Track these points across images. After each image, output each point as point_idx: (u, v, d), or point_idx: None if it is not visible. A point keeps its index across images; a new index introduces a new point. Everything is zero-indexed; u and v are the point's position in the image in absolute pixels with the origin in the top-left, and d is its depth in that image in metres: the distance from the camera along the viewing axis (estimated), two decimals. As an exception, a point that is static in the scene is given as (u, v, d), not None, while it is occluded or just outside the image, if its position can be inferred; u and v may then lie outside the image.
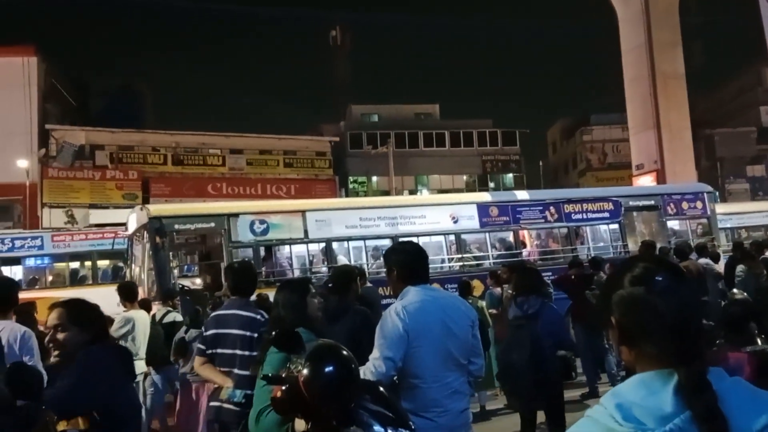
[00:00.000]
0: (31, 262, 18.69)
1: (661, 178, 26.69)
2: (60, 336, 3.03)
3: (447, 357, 3.49)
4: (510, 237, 14.62)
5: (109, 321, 7.08)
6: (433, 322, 3.47)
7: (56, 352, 3.04)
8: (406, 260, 3.69)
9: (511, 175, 42.46)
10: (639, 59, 28.01)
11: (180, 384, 7.67)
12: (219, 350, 4.49)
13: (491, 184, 40.82)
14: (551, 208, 14.73)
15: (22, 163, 28.98)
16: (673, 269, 1.50)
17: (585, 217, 14.99)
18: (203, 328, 4.77)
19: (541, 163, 47.49)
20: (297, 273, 12.80)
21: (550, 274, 11.82)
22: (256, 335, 4.38)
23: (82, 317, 3.11)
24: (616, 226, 15.18)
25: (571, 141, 49.43)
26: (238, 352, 4.41)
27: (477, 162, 41.87)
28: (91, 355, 2.98)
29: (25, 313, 5.61)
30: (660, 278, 1.47)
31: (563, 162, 51.11)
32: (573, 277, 10.31)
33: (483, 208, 14.25)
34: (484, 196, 16.00)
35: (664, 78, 27.53)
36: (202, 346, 4.64)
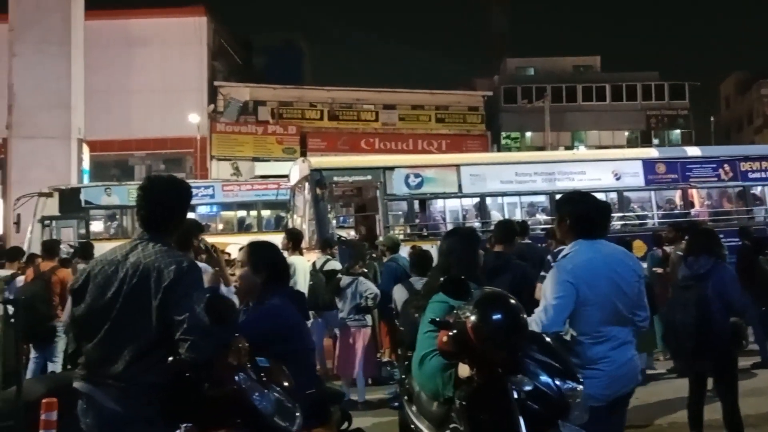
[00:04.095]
0: (203, 209, 20.04)
1: None
2: (238, 272, 3.28)
3: (615, 314, 3.43)
4: (677, 196, 13.76)
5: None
6: (603, 280, 3.40)
7: (235, 284, 3.37)
8: (583, 212, 3.57)
9: (678, 131, 39.79)
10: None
11: (339, 329, 7.99)
12: None
13: (655, 141, 38.49)
14: (725, 165, 13.70)
15: (194, 118, 31.06)
16: None
17: (765, 176, 13.79)
18: (549, 259, 4.86)
19: (712, 119, 44.05)
20: (450, 227, 12.80)
21: (721, 236, 11.01)
22: None
23: (257, 259, 3.36)
24: (800, 187, 13.84)
25: (747, 95, 45.46)
26: None
27: (640, 117, 39.54)
28: (275, 306, 3.24)
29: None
30: None
31: (737, 118, 47.19)
32: (747, 242, 9.56)
33: (649, 165, 13.48)
34: (651, 152, 15.11)
35: None
36: (544, 274, 4.71)
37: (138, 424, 2.76)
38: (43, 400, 3.82)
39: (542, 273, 4.85)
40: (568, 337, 3.44)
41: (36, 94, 23.11)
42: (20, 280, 7.92)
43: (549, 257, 4.99)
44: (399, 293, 6.91)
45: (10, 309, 5.19)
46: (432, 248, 10.75)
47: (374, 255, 9.87)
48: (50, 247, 8.41)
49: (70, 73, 23.93)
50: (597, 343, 3.37)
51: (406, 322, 4.81)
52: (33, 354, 7.53)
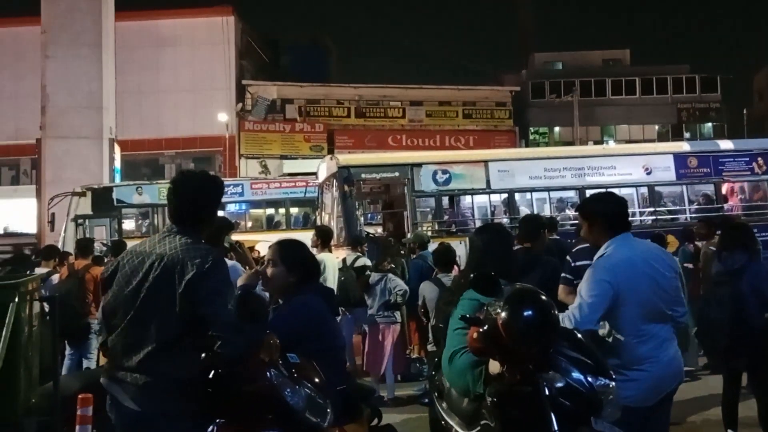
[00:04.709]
0: (232, 207, 20.17)
1: None
2: (269, 270, 3.29)
3: (655, 311, 3.42)
4: (710, 190, 13.55)
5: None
6: (642, 278, 3.39)
7: (268, 285, 3.32)
8: (613, 210, 3.59)
9: (710, 124, 39.11)
10: None
11: (368, 325, 8.00)
12: None
13: (687, 135, 37.86)
14: (759, 159, 13.48)
15: (223, 117, 31.32)
16: None
17: (800, 170, 13.52)
18: (569, 259, 4.74)
19: (744, 112, 43.20)
20: (479, 224, 12.74)
21: (755, 231, 10.81)
22: None
23: (290, 258, 3.36)
24: (837, 181, 13.53)
25: (782, 87, 44.43)
26: None
27: (671, 111, 38.93)
28: (304, 303, 3.26)
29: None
30: None
31: (771, 111, 46.17)
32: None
33: (680, 159, 13.31)
34: (682, 146, 14.90)
35: None
36: (570, 276, 4.63)
37: (157, 421, 2.75)
38: (79, 396, 3.88)
39: (563, 274, 4.72)
40: (610, 339, 3.42)
41: (68, 95, 23.48)
42: (55, 278, 8.07)
43: (568, 257, 4.84)
44: (428, 290, 6.92)
45: (46, 306, 5.28)
46: (460, 245, 10.75)
47: (401, 251, 9.87)
48: (84, 246, 8.56)
49: (101, 74, 24.25)
50: (640, 342, 3.35)
51: (443, 318, 4.79)
52: (68, 351, 7.67)
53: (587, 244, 4.63)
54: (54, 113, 23.82)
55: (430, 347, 6.69)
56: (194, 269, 2.76)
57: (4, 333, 4.14)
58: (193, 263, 2.78)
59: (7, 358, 4.12)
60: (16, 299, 4.36)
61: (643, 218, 13.05)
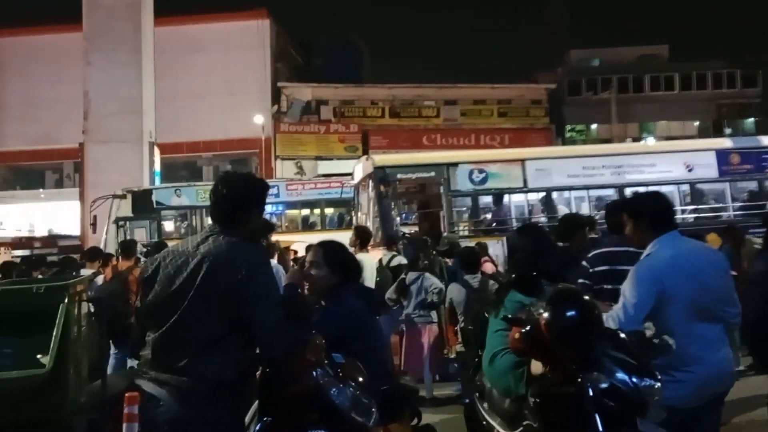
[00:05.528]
0: (268, 208, 20.31)
1: None
2: (313, 272, 3.33)
3: (703, 311, 3.35)
4: (754, 187, 13.24)
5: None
6: (689, 278, 3.33)
7: (308, 285, 3.35)
8: (659, 208, 3.55)
9: (751, 119, 38.20)
10: None
11: (405, 325, 8.01)
12: (607, 286, 4.20)
13: (727, 131, 37.07)
14: (806, 153, 13.11)
15: (259, 119, 31.61)
16: None
17: (844, 165, 13.14)
18: (586, 265, 4.64)
19: (787, 107, 42.14)
20: (516, 223, 12.67)
21: (801, 228, 10.53)
22: None
23: (333, 259, 3.40)
24: None
25: (825, 80, 43.13)
26: None
27: (711, 107, 38.14)
28: (346, 304, 3.30)
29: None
30: None
31: (815, 105, 44.86)
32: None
33: (723, 155, 13.05)
34: (725, 142, 14.62)
35: None
36: (588, 282, 4.49)
37: (198, 424, 2.70)
38: (126, 394, 3.95)
39: (580, 280, 4.59)
40: (657, 340, 3.37)
41: (109, 100, 23.95)
42: (99, 279, 8.25)
43: (585, 263, 4.66)
44: (455, 291, 6.94)
45: (92, 307, 5.40)
46: (497, 244, 10.70)
47: (434, 252, 9.82)
48: (128, 247, 8.71)
49: (141, 80, 24.69)
50: (688, 342, 3.28)
51: (474, 321, 4.76)
52: (113, 350, 7.83)
53: (604, 249, 4.57)
54: (95, 118, 24.34)
55: (458, 347, 6.73)
56: (244, 269, 2.73)
57: (54, 333, 4.26)
58: (241, 263, 2.75)
59: (57, 358, 4.23)
60: (66, 300, 4.48)
61: (684, 216, 12.83)
